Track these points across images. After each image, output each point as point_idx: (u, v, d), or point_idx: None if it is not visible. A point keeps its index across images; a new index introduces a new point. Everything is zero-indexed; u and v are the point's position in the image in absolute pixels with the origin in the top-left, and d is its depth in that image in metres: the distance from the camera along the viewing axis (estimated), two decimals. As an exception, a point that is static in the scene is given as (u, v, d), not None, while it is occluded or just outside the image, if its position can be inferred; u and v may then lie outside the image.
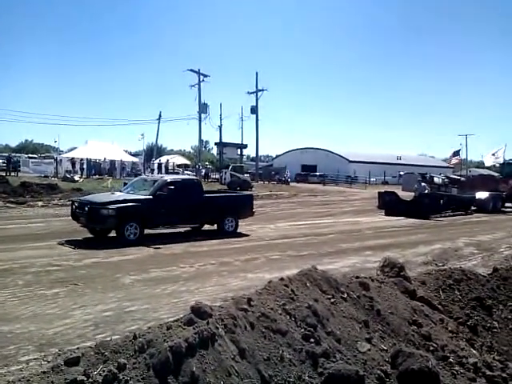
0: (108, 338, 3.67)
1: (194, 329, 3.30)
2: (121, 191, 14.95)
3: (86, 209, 12.85)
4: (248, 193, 20.69)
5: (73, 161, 43.14)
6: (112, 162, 44.85)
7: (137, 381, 2.95)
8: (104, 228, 13.30)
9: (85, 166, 41.46)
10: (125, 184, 16.38)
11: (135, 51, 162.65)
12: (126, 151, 60.02)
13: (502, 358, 4.94)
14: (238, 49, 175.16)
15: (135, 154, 60.67)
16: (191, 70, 47.21)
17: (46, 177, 34.80)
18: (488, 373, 4.43)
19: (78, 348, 4.25)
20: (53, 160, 43.49)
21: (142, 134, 56.28)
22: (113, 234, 13.26)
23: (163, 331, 3.31)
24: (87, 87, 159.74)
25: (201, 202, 14.55)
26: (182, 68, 53.84)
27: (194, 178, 19.80)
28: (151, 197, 13.46)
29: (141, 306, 7.15)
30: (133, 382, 2.93)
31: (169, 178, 15.38)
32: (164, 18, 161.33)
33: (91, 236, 13.60)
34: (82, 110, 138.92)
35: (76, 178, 35.59)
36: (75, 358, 3.18)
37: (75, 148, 53.30)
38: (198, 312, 3.53)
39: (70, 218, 13.97)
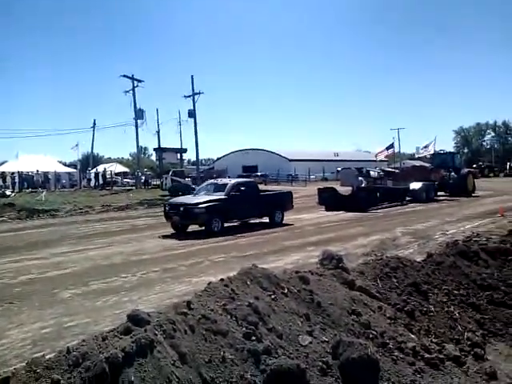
0: (41, 355, 3.50)
1: (131, 337, 3.20)
2: (196, 194, 18.15)
3: (181, 209, 15.90)
4: (289, 189, 23.15)
5: (3, 175, 41.10)
6: (45, 174, 43.09)
7: (72, 396, 2.83)
8: (196, 223, 16.23)
9: (16, 180, 39.59)
10: (193, 189, 21.76)
11: (65, 57, 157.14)
12: (61, 162, 57.91)
13: (439, 341, 5.12)
14: (172, 53, 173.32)
15: (70, 165, 58.48)
16: (125, 76, 46.23)
17: (-24, 193, 32.98)
18: (426, 355, 4.59)
19: (14, 369, 4.03)
20: (-18, 175, 41.24)
21: (77, 145, 54.36)
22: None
23: (98, 342, 3.18)
24: (15, 97, 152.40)
25: (258, 199, 17.77)
26: (115, 74, 52.53)
27: (252, 180, 23.91)
28: (226, 196, 16.45)
29: (81, 321, 6.90)
30: (68, 399, 2.80)
31: (236, 180, 19.02)
32: (95, 22, 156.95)
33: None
34: (11, 121, 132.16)
35: (8, 192, 33.93)
36: (4, 378, 3.01)
37: (5, 162, 50.76)
38: (136, 320, 3.43)
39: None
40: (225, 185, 17.39)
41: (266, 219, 18.35)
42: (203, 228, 16.14)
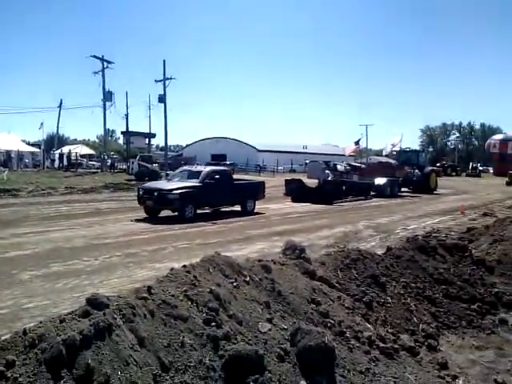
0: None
1: (89, 320, 3.17)
2: (170, 180, 18.43)
3: (156, 194, 16.05)
4: (262, 179, 23.88)
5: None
6: (8, 153, 41.87)
7: (27, 377, 2.79)
8: (169, 209, 16.37)
9: (-23, 158, 38.42)
10: (167, 175, 22.15)
11: (33, 33, 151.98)
12: (24, 141, 56.34)
13: (395, 331, 5.26)
14: (145, 36, 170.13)
15: (34, 144, 56.91)
16: (94, 57, 45.11)
17: None
18: (381, 345, 4.71)
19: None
20: None
21: (41, 123, 52.91)
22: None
23: (56, 325, 3.14)
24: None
25: (232, 187, 18.05)
26: (84, 54, 50.95)
27: (227, 168, 23.93)
28: (201, 184, 16.65)
29: (40, 302, 6.83)
30: (23, 379, 2.77)
31: (211, 168, 19.15)
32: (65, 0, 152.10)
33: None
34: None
35: (-33, 170, 32.86)
36: (-44, 359, 2.93)
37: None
38: (95, 303, 3.40)
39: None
40: (199, 172, 17.60)
41: (237, 207, 18.49)
42: (176, 213, 16.18)
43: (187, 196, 15.96)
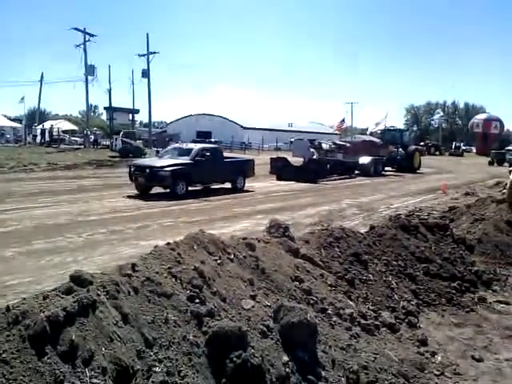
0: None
1: (73, 297, 3.17)
2: (161, 157, 18.60)
3: (147, 171, 16.15)
4: (251, 157, 23.79)
5: None
6: (-12, 128, 41.12)
7: (11, 353, 2.79)
8: (161, 186, 16.53)
9: (-43, 133, 37.65)
10: (157, 152, 22.42)
11: (13, 4, 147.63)
12: (6, 116, 55.28)
13: (376, 308, 5.36)
14: (129, 9, 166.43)
15: (15, 119, 55.85)
16: (76, 29, 44.12)
17: None
18: (362, 322, 4.81)
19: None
20: None
21: (22, 98, 51.85)
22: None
23: (39, 301, 3.14)
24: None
25: (222, 165, 18.41)
26: (67, 26, 49.75)
27: (217, 146, 24.32)
28: (192, 161, 16.87)
29: (23, 279, 6.78)
30: (6, 355, 2.77)
31: (201, 146, 19.16)
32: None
33: None
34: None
35: None
36: None
37: None
38: (78, 280, 3.40)
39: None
40: (190, 149, 17.78)
41: (228, 185, 18.64)
42: (167, 190, 16.38)
43: (179, 173, 16.11)
